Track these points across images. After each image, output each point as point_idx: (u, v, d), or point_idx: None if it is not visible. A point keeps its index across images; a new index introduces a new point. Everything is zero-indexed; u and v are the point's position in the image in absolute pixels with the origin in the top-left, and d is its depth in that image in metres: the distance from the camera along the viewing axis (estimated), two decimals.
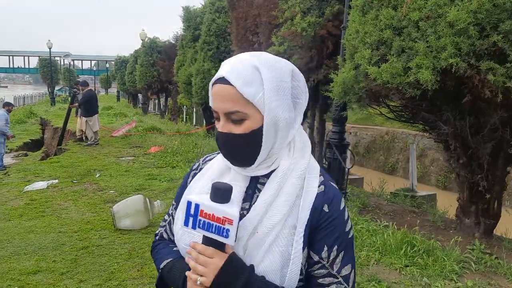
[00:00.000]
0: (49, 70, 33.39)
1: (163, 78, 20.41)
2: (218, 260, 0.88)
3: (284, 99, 0.92)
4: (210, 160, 1.11)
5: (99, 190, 6.50)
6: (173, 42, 19.01)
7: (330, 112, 8.15)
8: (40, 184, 6.56)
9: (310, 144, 1.01)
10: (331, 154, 5.92)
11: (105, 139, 12.65)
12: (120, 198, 6.01)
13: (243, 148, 0.93)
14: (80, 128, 11.75)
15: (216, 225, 0.84)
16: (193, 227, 0.86)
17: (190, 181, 1.09)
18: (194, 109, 22.91)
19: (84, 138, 11.86)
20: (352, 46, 5.38)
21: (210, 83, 0.96)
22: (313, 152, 6.50)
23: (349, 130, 17.62)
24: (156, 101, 27.52)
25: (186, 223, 0.87)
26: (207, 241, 0.87)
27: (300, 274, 0.92)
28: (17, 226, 4.81)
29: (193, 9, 13.93)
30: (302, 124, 1.03)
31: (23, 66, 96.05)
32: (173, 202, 1.14)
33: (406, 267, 3.83)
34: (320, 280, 0.93)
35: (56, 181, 6.89)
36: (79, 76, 54.64)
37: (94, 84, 69.49)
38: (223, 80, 0.92)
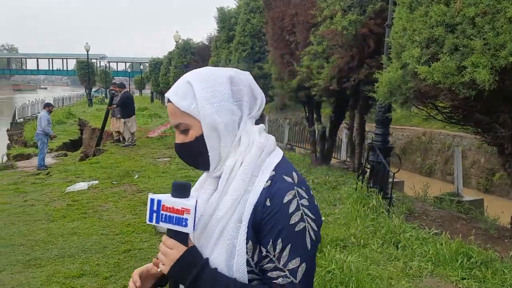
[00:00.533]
0: (86, 72, 34.38)
1: None
2: (175, 252, 0.96)
3: (221, 104, 0.99)
4: None
5: (138, 191, 6.53)
6: (207, 43, 19.08)
7: (371, 113, 7.89)
8: (81, 185, 6.66)
9: (260, 141, 1.02)
10: (375, 157, 5.68)
11: (141, 140, 12.85)
12: None
13: (194, 154, 1.03)
14: (116, 130, 11.95)
15: (176, 217, 0.93)
16: (157, 222, 0.94)
17: None
18: None
19: (121, 139, 12.07)
20: (398, 44, 5.13)
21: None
22: (353, 154, 6.24)
23: None
24: None
25: (150, 219, 0.95)
26: (170, 233, 0.96)
27: (249, 266, 0.98)
28: (60, 228, 4.87)
29: (228, 9, 13.91)
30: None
31: (61, 68, 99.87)
32: None
33: (462, 280, 3.58)
34: (269, 274, 0.97)
35: (97, 182, 6.98)
36: (114, 77, 56.30)
37: (129, 85, 71.24)
38: (168, 100, 1.03)
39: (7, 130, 23.98)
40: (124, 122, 11.46)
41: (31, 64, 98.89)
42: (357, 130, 8.39)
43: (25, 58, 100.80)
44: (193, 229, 0.95)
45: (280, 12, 9.14)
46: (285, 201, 0.96)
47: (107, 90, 51.75)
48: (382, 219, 4.82)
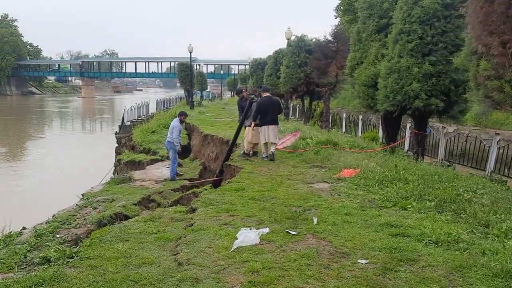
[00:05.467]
0: (186, 74, 33.93)
1: (314, 80, 18.14)
2: None
3: None
4: None
5: (339, 255, 4.16)
6: (330, 38, 16.61)
7: None
8: (251, 237, 4.47)
9: None
10: None
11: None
12: (389, 281, 3.59)
13: None
14: (250, 141, 9.96)
15: None
16: None
17: None
18: (344, 115, 20.23)
19: (251, 153, 10.10)
20: None
21: None
22: None
23: None
24: (298, 105, 25.52)
25: None
26: None
27: None
28: None
29: None
30: None
31: (156, 71, 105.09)
32: None
33: None
34: None
35: (267, 230, 4.77)
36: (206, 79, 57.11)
37: (221, 87, 71.77)
38: None
39: (116, 133, 23.84)
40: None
41: (129, 68, 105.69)
42: None
43: (125, 62, 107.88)
44: None
45: None
46: None
47: (201, 92, 51.91)
48: None
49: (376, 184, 7.12)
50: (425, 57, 9.22)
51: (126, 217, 7.95)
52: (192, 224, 5.23)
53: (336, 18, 41.99)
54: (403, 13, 9.53)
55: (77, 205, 9.00)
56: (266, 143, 9.75)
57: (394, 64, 9.64)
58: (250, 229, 4.77)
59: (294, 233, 4.73)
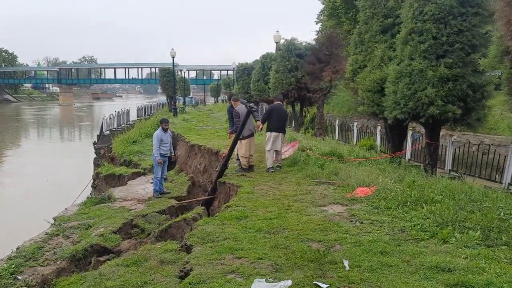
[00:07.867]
0: (169, 80, 32.61)
1: (306, 85, 17.18)
2: None
3: None
4: None
5: None
6: (323, 42, 15.69)
7: None
8: None
9: None
10: None
11: (262, 165, 9.69)
12: None
13: None
14: (244, 155, 8.85)
15: None
16: None
17: None
18: (337, 121, 19.32)
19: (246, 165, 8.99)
20: None
21: None
22: None
23: None
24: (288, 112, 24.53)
25: None
26: None
27: None
28: None
29: None
30: None
31: (136, 77, 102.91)
32: None
33: None
34: None
35: (289, 283, 3.65)
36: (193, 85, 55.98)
37: (204, 93, 70.40)
38: None
39: (94, 144, 22.37)
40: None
41: (108, 74, 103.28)
42: None
43: (104, 68, 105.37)
44: None
45: None
46: None
47: (184, 98, 50.42)
48: None
49: (399, 206, 6.10)
50: (440, 59, 8.29)
51: (105, 249, 6.75)
52: (188, 271, 4.08)
53: (317, 24, 41.39)
54: (414, 10, 8.60)
55: (46, 234, 7.72)
56: (270, 151, 8.90)
57: (405, 67, 8.68)
58: (265, 281, 3.65)
59: (324, 286, 3.62)
